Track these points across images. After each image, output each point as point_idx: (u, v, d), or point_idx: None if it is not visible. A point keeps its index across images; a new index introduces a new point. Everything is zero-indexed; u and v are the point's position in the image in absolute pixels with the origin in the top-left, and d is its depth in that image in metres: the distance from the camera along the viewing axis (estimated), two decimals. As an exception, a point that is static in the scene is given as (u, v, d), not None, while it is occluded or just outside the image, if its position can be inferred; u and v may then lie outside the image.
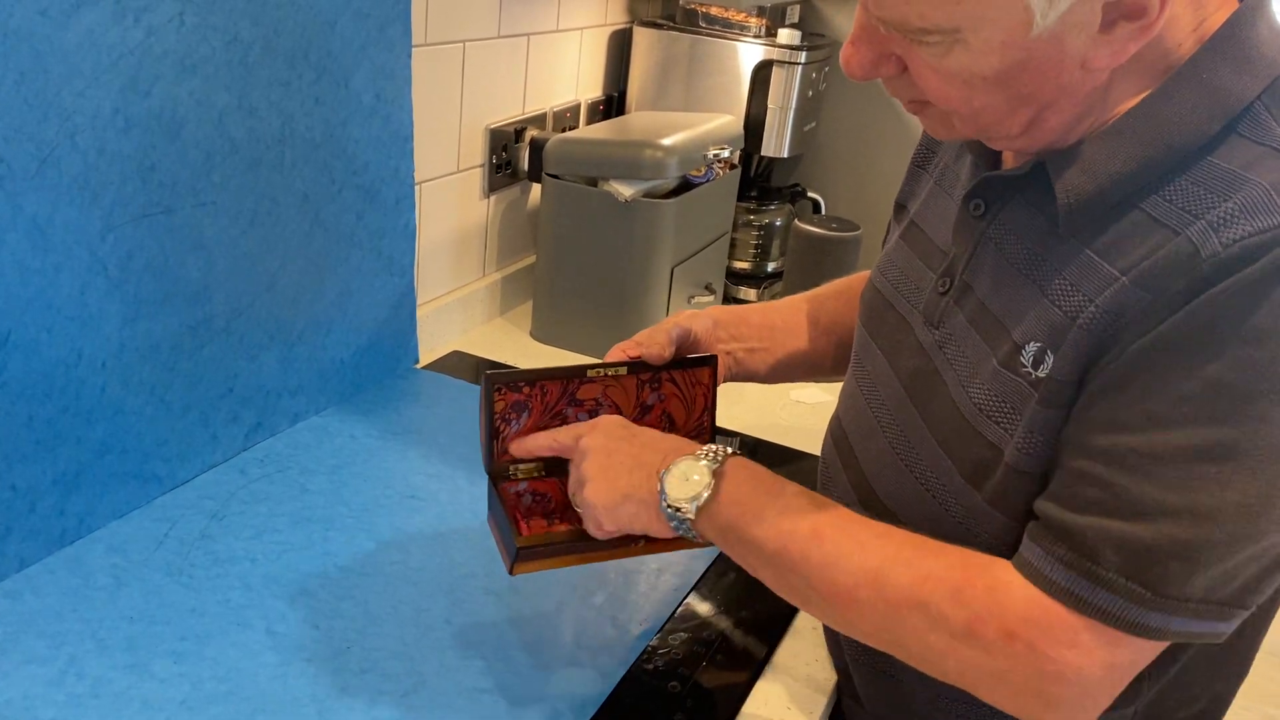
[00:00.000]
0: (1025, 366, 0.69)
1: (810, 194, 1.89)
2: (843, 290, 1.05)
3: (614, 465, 0.79)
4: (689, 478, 0.76)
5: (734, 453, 0.78)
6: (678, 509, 0.76)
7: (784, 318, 1.03)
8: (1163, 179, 0.65)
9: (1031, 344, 0.68)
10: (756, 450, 1.29)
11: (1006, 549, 0.71)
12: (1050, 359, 0.67)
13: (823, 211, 1.89)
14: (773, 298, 1.78)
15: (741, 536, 0.75)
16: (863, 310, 0.90)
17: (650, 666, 0.90)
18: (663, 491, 0.76)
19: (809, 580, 0.72)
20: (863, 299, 0.91)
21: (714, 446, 0.78)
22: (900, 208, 0.93)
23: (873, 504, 0.82)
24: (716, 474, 0.76)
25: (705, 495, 0.75)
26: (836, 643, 0.93)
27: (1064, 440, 0.67)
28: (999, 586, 0.67)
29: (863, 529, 0.73)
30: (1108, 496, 0.63)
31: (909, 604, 0.68)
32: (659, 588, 1.01)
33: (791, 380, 1.04)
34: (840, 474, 0.88)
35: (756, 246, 1.80)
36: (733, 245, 1.77)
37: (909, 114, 0.74)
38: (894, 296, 0.85)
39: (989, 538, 0.72)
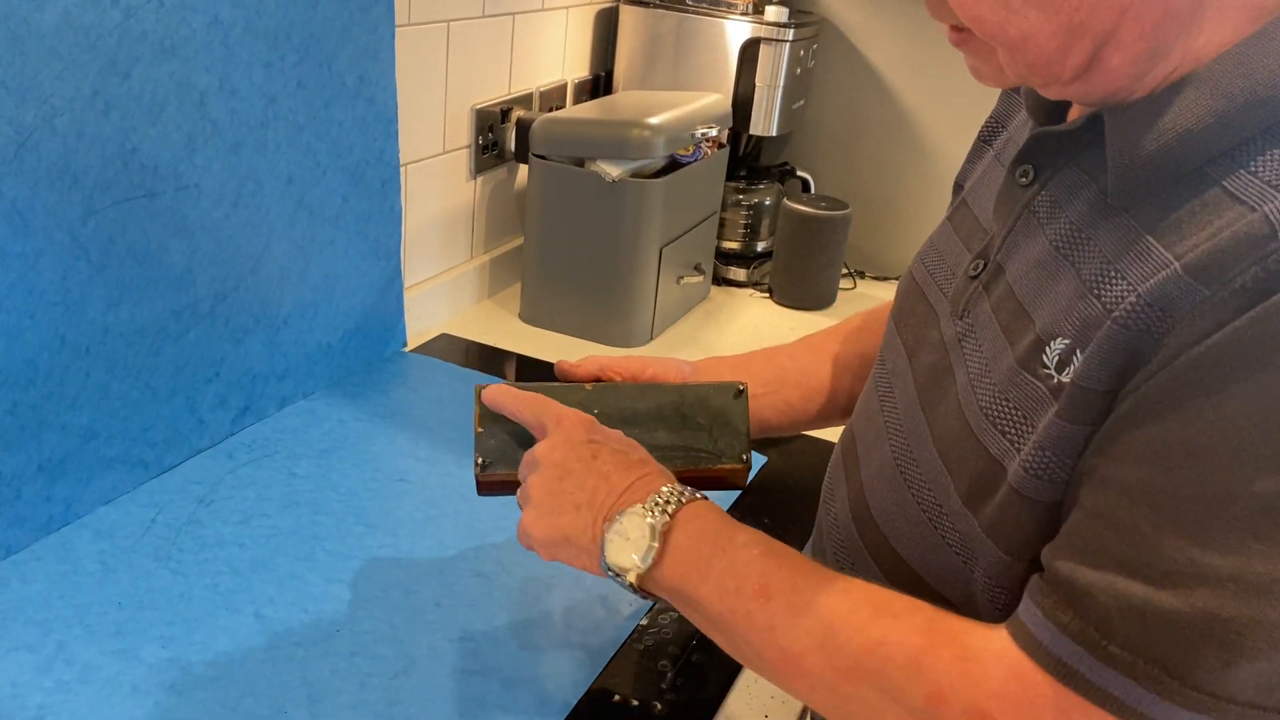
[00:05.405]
0: (1047, 368, 0.56)
1: (799, 173, 1.89)
2: (877, 314, 0.94)
3: (561, 493, 0.70)
4: (629, 536, 0.67)
5: (696, 497, 0.68)
6: (618, 574, 0.67)
7: (804, 363, 0.93)
8: (1249, 145, 0.51)
9: (1058, 340, 0.56)
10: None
11: (999, 591, 0.59)
12: (1077, 360, 0.54)
13: (812, 190, 1.89)
14: (763, 278, 1.79)
15: (688, 599, 0.66)
16: (896, 301, 0.79)
17: (640, 647, 0.90)
18: (603, 550, 0.67)
19: (754, 646, 0.62)
20: (899, 289, 0.80)
21: (673, 490, 0.68)
22: (957, 188, 0.81)
23: (866, 525, 0.71)
24: (665, 531, 0.66)
25: (649, 559, 0.66)
26: None
27: (1083, 472, 0.53)
28: (969, 655, 0.55)
29: (818, 585, 0.61)
30: (1127, 547, 0.50)
31: (860, 673, 0.57)
32: (649, 568, 1.01)
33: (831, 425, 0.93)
34: (841, 488, 0.76)
35: (746, 226, 1.79)
36: (722, 225, 1.77)
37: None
38: (927, 284, 0.74)
39: (982, 575, 0.60)
